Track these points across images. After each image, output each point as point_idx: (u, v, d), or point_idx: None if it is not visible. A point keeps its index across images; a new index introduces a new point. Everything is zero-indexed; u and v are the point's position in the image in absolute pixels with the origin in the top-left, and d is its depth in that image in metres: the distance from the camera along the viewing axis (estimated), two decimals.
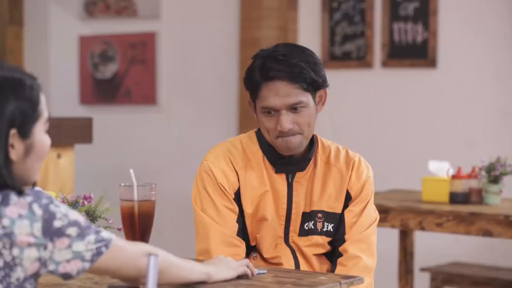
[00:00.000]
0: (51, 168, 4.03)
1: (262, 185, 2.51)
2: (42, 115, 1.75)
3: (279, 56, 2.44)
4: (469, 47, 5.37)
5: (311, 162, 2.55)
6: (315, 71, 2.45)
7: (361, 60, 5.64)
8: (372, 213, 2.57)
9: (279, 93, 2.43)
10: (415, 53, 5.49)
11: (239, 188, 2.51)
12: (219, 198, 2.49)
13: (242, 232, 2.51)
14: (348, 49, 5.69)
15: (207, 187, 2.50)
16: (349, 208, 2.55)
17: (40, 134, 1.75)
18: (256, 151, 2.54)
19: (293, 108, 2.44)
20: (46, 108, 1.78)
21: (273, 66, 2.43)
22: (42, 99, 1.76)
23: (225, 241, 2.47)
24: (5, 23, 6.84)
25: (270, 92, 2.43)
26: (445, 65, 5.42)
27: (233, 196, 2.50)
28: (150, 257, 1.78)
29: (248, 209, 2.50)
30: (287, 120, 2.44)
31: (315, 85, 2.47)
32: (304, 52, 2.48)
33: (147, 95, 6.48)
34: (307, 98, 2.45)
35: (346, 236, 2.53)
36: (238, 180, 2.51)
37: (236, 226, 2.49)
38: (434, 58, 5.43)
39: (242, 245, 2.50)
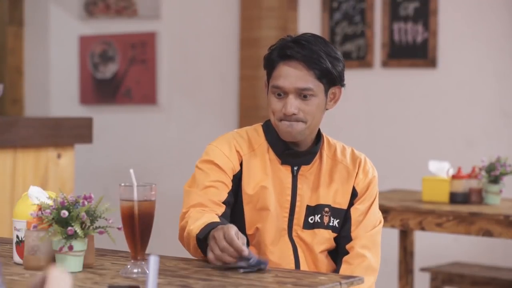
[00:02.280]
0: (51, 168, 4.03)
1: (264, 176, 2.52)
2: None
3: (302, 41, 2.48)
4: (469, 47, 5.38)
5: (317, 156, 2.57)
6: (333, 64, 2.49)
7: (361, 60, 5.65)
8: (377, 213, 2.59)
9: (291, 75, 2.46)
10: (415, 53, 5.49)
11: (240, 172, 2.52)
12: (213, 172, 2.49)
13: (238, 219, 2.51)
14: (348, 49, 5.70)
15: (201, 165, 2.52)
16: (355, 206, 2.56)
17: None
18: (261, 143, 2.56)
19: (302, 95, 2.46)
20: None
21: (292, 46, 2.46)
22: None
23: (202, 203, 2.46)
24: (5, 23, 6.84)
25: (283, 72, 2.46)
26: (445, 65, 5.43)
27: (231, 177, 2.51)
28: (150, 257, 1.78)
29: (249, 190, 2.50)
30: (292, 104, 2.46)
31: (330, 78, 2.49)
32: (328, 45, 2.52)
33: (147, 95, 6.48)
34: (318, 87, 2.48)
35: (352, 234, 2.55)
36: (242, 164, 2.53)
37: (224, 196, 2.47)
38: (434, 58, 5.43)
39: (220, 208, 2.46)
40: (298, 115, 2.47)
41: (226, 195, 2.49)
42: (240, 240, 2.16)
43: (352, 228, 2.55)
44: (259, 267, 2.16)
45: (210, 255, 2.19)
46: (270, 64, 2.50)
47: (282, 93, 2.47)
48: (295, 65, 2.45)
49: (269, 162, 2.54)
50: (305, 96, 2.46)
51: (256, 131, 2.60)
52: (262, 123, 2.62)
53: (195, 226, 2.34)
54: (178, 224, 2.49)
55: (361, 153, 2.62)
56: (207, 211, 2.44)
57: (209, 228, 2.28)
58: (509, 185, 4.30)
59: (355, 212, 2.56)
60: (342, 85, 2.56)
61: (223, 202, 2.48)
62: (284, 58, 2.46)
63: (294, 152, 2.54)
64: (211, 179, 2.49)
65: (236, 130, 2.63)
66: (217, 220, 2.34)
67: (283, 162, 2.54)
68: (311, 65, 2.45)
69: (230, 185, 2.51)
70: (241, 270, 2.15)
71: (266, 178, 2.52)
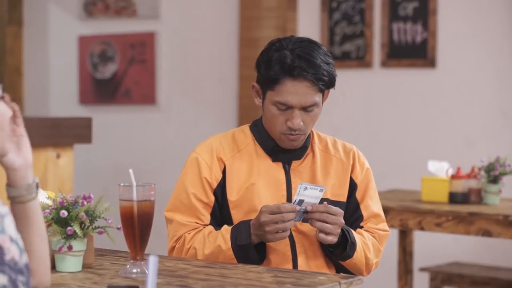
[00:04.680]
0: (51, 168, 4.03)
1: (250, 176, 2.54)
2: None
3: (301, 54, 2.46)
4: (468, 47, 5.38)
5: (309, 150, 2.60)
6: (331, 72, 2.50)
7: (361, 60, 5.64)
8: (377, 194, 2.66)
9: (299, 92, 2.46)
10: (414, 53, 5.49)
11: (223, 179, 2.54)
12: (195, 195, 2.53)
13: (224, 221, 2.55)
14: (347, 49, 5.70)
15: (187, 182, 2.55)
16: (365, 203, 2.61)
17: None
18: (248, 143, 2.58)
19: (307, 108, 2.48)
20: None
21: (298, 64, 2.45)
22: None
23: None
24: (5, 23, 6.84)
25: (290, 89, 2.46)
26: (445, 65, 5.43)
27: (215, 186, 2.53)
28: (150, 257, 1.78)
29: (232, 197, 2.53)
30: (298, 118, 2.47)
31: (328, 85, 2.52)
32: (323, 51, 2.51)
33: (146, 95, 6.48)
34: (320, 98, 2.50)
35: (363, 224, 2.61)
36: (224, 170, 2.54)
37: (208, 219, 2.55)
38: (433, 58, 5.43)
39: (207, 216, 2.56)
40: (301, 127, 2.49)
41: (209, 216, 2.55)
42: (279, 205, 2.37)
43: (363, 223, 2.60)
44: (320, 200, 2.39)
45: (271, 237, 2.38)
46: (272, 77, 2.48)
47: (286, 108, 2.48)
48: (302, 81, 2.45)
49: (259, 162, 2.56)
50: (309, 110, 2.48)
51: (243, 132, 2.62)
52: (249, 124, 2.63)
53: (219, 242, 2.45)
54: (170, 250, 2.56)
55: (352, 145, 2.67)
56: (202, 228, 2.53)
57: (236, 233, 2.43)
58: (509, 185, 4.30)
59: (366, 209, 2.61)
60: (334, 86, 2.57)
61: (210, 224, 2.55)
62: (290, 75, 2.45)
63: (284, 149, 2.55)
64: (191, 199, 2.54)
65: (222, 133, 2.65)
66: (226, 226, 2.50)
67: (274, 159, 2.56)
68: (317, 81, 2.46)
69: (211, 203, 2.54)
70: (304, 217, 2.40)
71: (253, 177, 2.53)
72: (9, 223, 1.53)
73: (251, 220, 2.45)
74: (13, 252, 1.51)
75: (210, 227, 2.51)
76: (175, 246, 2.54)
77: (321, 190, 2.38)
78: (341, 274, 2.47)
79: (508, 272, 4.90)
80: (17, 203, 1.78)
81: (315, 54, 2.47)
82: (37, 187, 1.81)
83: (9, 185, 1.79)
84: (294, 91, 2.45)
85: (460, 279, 4.79)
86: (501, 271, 4.93)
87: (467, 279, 4.76)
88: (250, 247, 2.43)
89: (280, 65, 2.47)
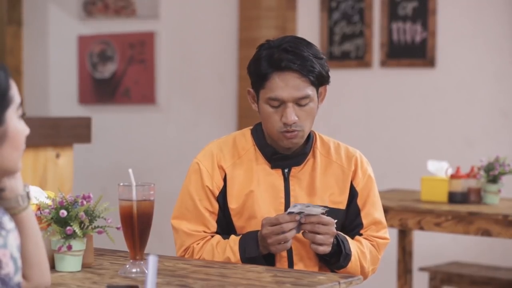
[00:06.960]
0: (50, 167, 4.03)
1: (250, 183, 2.52)
2: (13, 101, 1.66)
3: (289, 48, 2.45)
4: (468, 47, 5.38)
5: (310, 156, 2.56)
6: (322, 66, 2.47)
7: (360, 59, 5.64)
8: (379, 199, 2.63)
9: (289, 84, 2.43)
10: (414, 52, 5.49)
11: (224, 186, 2.53)
12: (201, 202, 2.53)
13: (229, 228, 2.54)
14: (347, 48, 5.70)
15: (192, 189, 2.54)
16: (367, 211, 2.57)
17: (13, 120, 1.67)
18: (248, 148, 2.56)
19: (299, 102, 2.45)
20: (17, 94, 1.68)
21: (284, 57, 2.43)
22: (12, 84, 1.66)
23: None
24: (4, 22, 6.83)
25: (279, 83, 2.44)
26: (444, 65, 5.43)
27: (217, 194, 2.53)
28: (150, 257, 1.78)
29: (232, 204, 2.52)
30: (292, 112, 2.44)
31: (321, 80, 2.48)
32: (312, 46, 2.50)
33: (146, 95, 6.48)
34: (313, 92, 2.47)
35: (363, 231, 2.59)
36: (225, 177, 2.53)
37: (215, 226, 2.54)
38: (433, 58, 5.43)
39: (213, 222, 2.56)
40: (297, 123, 2.46)
41: (215, 224, 2.55)
42: (278, 216, 2.37)
43: (363, 231, 2.58)
44: (321, 212, 2.37)
45: (274, 249, 2.40)
46: (261, 75, 2.46)
47: (279, 104, 2.46)
48: (290, 75, 2.43)
49: (258, 168, 2.53)
50: (302, 104, 2.46)
51: (244, 137, 2.59)
52: (251, 127, 2.61)
53: (228, 254, 2.45)
54: (177, 253, 2.56)
55: (355, 150, 2.62)
56: (209, 237, 2.53)
57: (244, 245, 2.43)
58: (508, 185, 4.30)
59: (367, 217, 2.58)
60: (329, 82, 2.55)
61: (217, 232, 2.55)
62: (278, 69, 2.44)
63: (284, 156, 2.53)
64: (198, 207, 2.53)
65: (223, 137, 2.63)
66: (234, 236, 2.50)
67: (273, 166, 2.54)
68: (306, 73, 2.43)
69: (216, 210, 2.54)
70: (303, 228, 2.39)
71: (250, 186, 2.52)
72: (13, 240, 1.54)
73: (258, 231, 2.44)
74: (9, 269, 1.52)
75: (218, 237, 2.51)
76: (184, 256, 2.53)
77: (323, 209, 2.37)
78: (341, 274, 2.47)
79: (508, 272, 4.90)
80: (10, 215, 1.77)
81: (302, 48, 2.45)
82: (28, 196, 1.81)
83: None
84: (283, 84, 2.43)
85: (460, 279, 4.79)
86: (501, 271, 4.93)
87: (467, 279, 4.76)
88: (259, 258, 2.43)
89: (268, 61, 2.45)
